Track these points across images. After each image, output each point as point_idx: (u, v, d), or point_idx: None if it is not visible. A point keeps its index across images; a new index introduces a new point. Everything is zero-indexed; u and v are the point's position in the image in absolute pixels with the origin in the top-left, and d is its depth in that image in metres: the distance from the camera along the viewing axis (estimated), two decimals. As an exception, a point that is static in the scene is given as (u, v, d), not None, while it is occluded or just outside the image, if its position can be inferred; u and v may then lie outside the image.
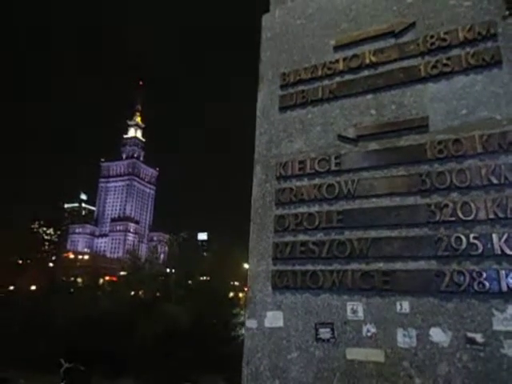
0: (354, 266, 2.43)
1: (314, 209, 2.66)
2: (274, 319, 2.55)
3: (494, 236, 2.12)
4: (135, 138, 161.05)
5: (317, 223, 2.61)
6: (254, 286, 2.71)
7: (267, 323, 2.57)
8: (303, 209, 2.70)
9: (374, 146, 2.61)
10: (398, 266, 2.31)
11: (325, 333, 2.38)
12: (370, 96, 2.73)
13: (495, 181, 2.19)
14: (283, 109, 3.02)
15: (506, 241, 2.08)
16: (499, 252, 2.09)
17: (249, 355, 2.57)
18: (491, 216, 2.15)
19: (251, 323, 2.62)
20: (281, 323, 2.53)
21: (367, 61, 2.79)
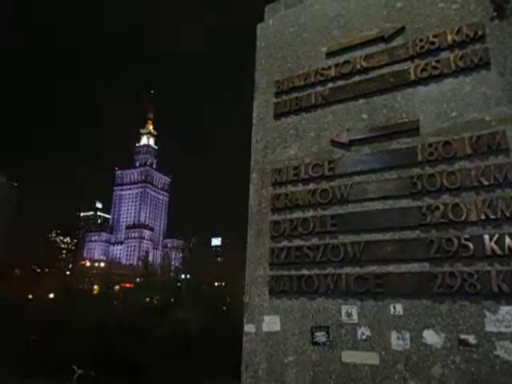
0: (348, 269, 2.45)
1: (309, 214, 2.70)
2: (271, 323, 2.59)
3: (485, 237, 2.13)
4: (148, 145, 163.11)
5: (311, 228, 2.64)
6: (251, 291, 2.75)
7: (265, 327, 2.61)
8: (298, 214, 2.74)
9: (366, 150, 2.64)
10: (391, 268, 2.33)
11: (320, 336, 2.41)
12: (361, 101, 2.77)
13: (485, 182, 2.20)
14: (278, 116, 3.08)
15: (496, 242, 2.09)
16: (490, 253, 2.09)
17: (247, 359, 2.61)
18: (482, 217, 2.16)
19: (249, 328, 2.66)
20: (278, 327, 2.56)
21: (358, 66, 2.83)
